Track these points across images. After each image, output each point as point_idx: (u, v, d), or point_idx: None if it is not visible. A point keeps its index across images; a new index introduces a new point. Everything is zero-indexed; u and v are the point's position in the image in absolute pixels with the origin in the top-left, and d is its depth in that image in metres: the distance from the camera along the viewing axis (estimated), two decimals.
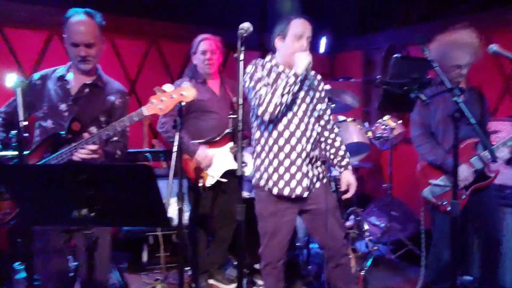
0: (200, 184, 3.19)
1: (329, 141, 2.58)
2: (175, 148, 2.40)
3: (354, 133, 3.63)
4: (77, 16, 2.21)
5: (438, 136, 2.74)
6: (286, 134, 2.38)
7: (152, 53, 4.89)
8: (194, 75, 3.29)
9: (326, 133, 2.58)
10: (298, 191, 2.39)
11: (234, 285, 3.46)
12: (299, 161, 2.38)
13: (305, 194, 2.40)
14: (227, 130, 3.24)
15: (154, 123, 4.48)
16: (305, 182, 2.39)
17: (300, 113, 2.40)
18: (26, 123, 2.00)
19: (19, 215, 2.11)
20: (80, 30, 2.18)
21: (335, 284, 2.57)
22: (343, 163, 2.56)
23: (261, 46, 5.47)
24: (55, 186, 1.65)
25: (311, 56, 2.30)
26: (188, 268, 3.54)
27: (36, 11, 4.12)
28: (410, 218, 4.46)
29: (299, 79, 2.26)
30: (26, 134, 2.12)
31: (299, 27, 2.35)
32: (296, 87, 2.28)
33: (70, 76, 2.31)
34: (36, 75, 2.35)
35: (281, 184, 2.39)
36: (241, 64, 1.90)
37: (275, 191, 2.41)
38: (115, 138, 2.32)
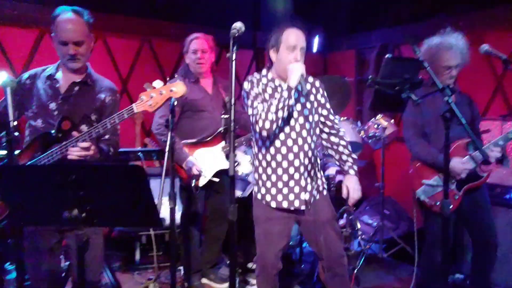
0: (193, 184, 3.18)
1: (335, 146, 2.54)
2: (167, 148, 2.39)
3: (347, 132, 3.63)
4: (65, 14, 2.19)
5: (430, 136, 2.76)
6: (283, 150, 2.36)
7: (144, 52, 4.86)
8: (187, 75, 3.28)
9: (332, 138, 2.54)
10: (296, 204, 2.38)
11: (227, 284, 3.46)
12: (297, 176, 2.37)
13: (303, 207, 2.39)
14: (220, 129, 3.24)
15: (147, 122, 4.47)
16: (303, 195, 2.38)
17: (297, 127, 2.36)
18: (16, 123, 1.98)
19: (9, 216, 2.09)
20: (68, 28, 2.17)
21: None
22: (345, 167, 2.52)
23: (254, 45, 5.49)
24: (45, 186, 1.64)
25: (304, 67, 2.25)
26: (181, 267, 3.54)
27: (26, 9, 4.09)
28: (403, 217, 4.49)
29: (293, 92, 2.22)
30: (17, 133, 2.10)
31: (291, 38, 2.29)
32: (292, 101, 2.24)
33: (59, 75, 2.29)
34: (25, 75, 2.33)
35: (279, 198, 2.39)
36: (233, 64, 1.89)
37: (273, 204, 2.40)
38: (106, 136, 2.31)
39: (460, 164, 2.64)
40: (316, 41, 5.62)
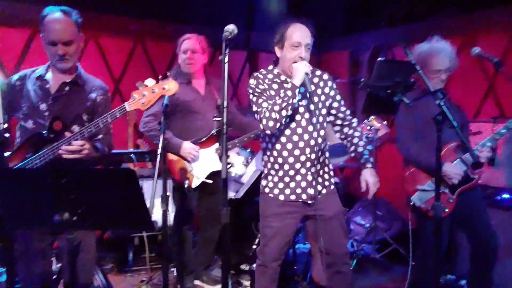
0: (186, 185, 3.17)
1: (349, 138, 2.56)
2: (159, 150, 2.38)
3: None
4: (53, 14, 2.18)
5: (421, 140, 2.78)
6: (289, 146, 2.37)
7: (137, 52, 4.83)
8: (179, 75, 3.26)
9: (345, 130, 2.56)
10: (304, 197, 2.40)
11: (220, 286, 3.45)
12: (303, 170, 2.38)
13: (310, 201, 2.40)
14: (213, 131, 3.23)
15: (139, 123, 4.45)
16: (310, 190, 2.39)
17: (303, 122, 2.37)
18: (6, 125, 1.96)
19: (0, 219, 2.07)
20: (57, 28, 2.15)
21: None
22: (362, 160, 2.52)
23: (247, 45, 5.48)
24: (36, 189, 1.63)
25: (308, 65, 2.24)
26: (174, 269, 3.53)
27: (18, 9, 4.04)
28: (395, 218, 4.50)
29: (297, 91, 2.22)
30: (7, 135, 2.09)
31: (295, 35, 2.29)
32: (295, 100, 2.24)
33: (49, 76, 2.28)
34: (15, 76, 2.31)
35: (287, 191, 2.42)
36: (226, 66, 1.89)
37: (281, 197, 2.43)
38: (100, 136, 2.30)
39: (454, 169, 2.66)
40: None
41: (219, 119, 3.19)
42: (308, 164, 2.38)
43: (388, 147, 4.67)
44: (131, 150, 4.20)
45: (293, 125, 2.36)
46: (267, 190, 2.48)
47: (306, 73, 2.22)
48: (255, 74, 2.43)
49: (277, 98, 2.28)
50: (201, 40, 3.27)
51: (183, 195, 3.27)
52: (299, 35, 2.30)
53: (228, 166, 2.18)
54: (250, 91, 2.40)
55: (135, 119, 4.32)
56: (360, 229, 4.42)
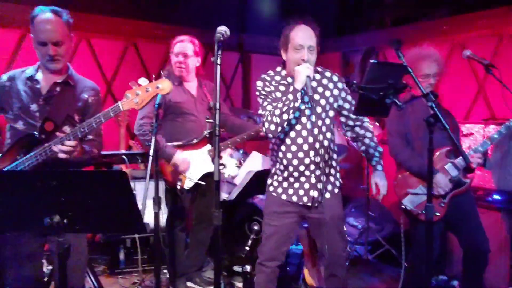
0: (178, 187, 3.16)
1: (360, 138, 2.56)
2: (151, 152, 2.37)
3: None
4: (44, 15, 2.16)
5: (412, 144, 2.81)
6: (294, 148, 2.37)
7: (129, 53, 4.81)
8: (171, 77, 3.24)
9: (357, 129, 2.55)
10: (305, 199, 2.40)
11: (212, 287, 3.44)
12: (307, 173, 2.38)
13: (310, 204, 2.40)
14: (205, 133, 3.22)
15: (131, 124, 4.43)
16: (312, 193, 2.39)
17: (309, 125, 2.35)
18: None
19: None
20: (47, 28, 2.14)
21: None
22: (373, 163, 2.54)
23: (240, 47, 5.48)
24: (26, 192, 1.61)
25: (310, 68, 2.21)
26: (166, 270, 3.51)
27: (8, 9, 4.01)
28: (387, 219, 4.52)
29: (298, 94, 2.21)
30: None
31: (298, 37, 2.28)
32: (297, 103, 2.23)
33: (39, 76, 2.26)
34: (4, 77, 2.29)
35: (290, 191, 2.43)
36: (218, 68, 1.88)
37: (283, 197, 2.44)
38: (90, 137, 2.28)
39: (445, 180, 2.68)
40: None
41: (212, 121, 3.19)
42: (313, 167, 2.38)
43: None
44: (123, 151, 4.17)
45: (298, 127, 2.36)
46: (271, 188, 2.50)
47: (308, 76, 2.19)
48: (263, 76, 2.42)
49: (280, 101, 2.28)
50: (194, 43, 3.25)
51: (175, 197, 3.25)
52: (301, 37, 2.29)
53: (221, 167, 2.17)
54: (257, 93, 2.41)
55: (128, 119, 4.30)
56: (352, 230, 4.44)
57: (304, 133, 2.36)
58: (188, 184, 3.18)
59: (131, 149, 4.38)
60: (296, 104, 2.23)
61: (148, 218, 3.08)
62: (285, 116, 2.23)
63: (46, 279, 2.70)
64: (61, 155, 2.05)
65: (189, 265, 3.47)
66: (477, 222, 2.80)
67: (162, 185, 3.19)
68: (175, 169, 3.11)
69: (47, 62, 2.19)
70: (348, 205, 4.87)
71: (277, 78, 2.41)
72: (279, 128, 2.26)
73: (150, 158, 2.38)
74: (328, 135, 2.41)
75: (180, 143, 3.19)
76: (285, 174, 2.43)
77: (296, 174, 2.39)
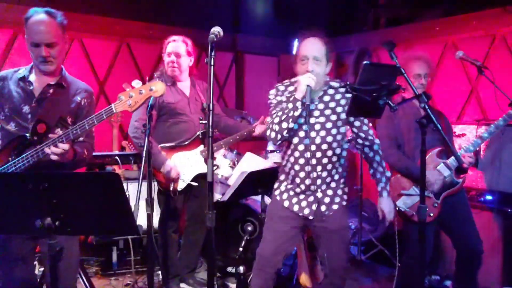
0: (171, 188, 3.15)
1: (368, 159, 2.51)
2: (144, 153, 2.36)
3: None
4: (37, 16, 2.14)
5: (403, 147, 2.82)
6: (301, 160, 2.37)
7: (122, 54, 4.78)
8: (163, 77, 3.23)
9: (366, 150, 2.49)
10: (306, 212, 2.41)
11: None
12: (313, 188, 2.39)
13: (311, 217, 2.40)
14: (198, 133, 3.21)
15: (125, 125, 4.40)
16: (314, 206, 2.40)
17: (318, 140, 2.34)
18: None
19: None
20: (40, 29, 2.12)
21: None
22: (379, 188, 2.50)
23: (234, 47, 5.47)
24: (17, 194, 1.59)
25: (313, 79, 2.19)
26: (159, 272, 3.50)
27: None
28: (381, 219, 4.53)
29: (298, 103, 2.19)
30: None
31: (303, 49, 2.30)
32: (297, 113, 2.20)
33: (32, 77, 2.24)
34: None
35: (293, 200, 2.44)
36: (212, 69, 1.88)
37: (285, 204, 2.45)
38: (81, 139, 2.26)
39: (434, 175, 2.69)
40: (295, 44, 5.64)
41: (205, 121, 3.17)
42: (319, 181, 2.38)
43: None
44: (116, 152, 4.15)
45: (307, 141, 2.35)
46: (277, 192, 2.52)
47: (309, 86, 2.18)
48: (277, 85, 2.44)
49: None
50: (187, 43, 3.23)
51: (168, 198, 3.24)
52: (305, 49, 2.30)
53: (214, 168, 2.16)
54: (269, 101, 2.43)
55: (120, 120, 4.28)
56: None
57: (313, 147, 2.35)
58: (180, 185, 3.17)
59: (124, 149, 4.35)
60: (296, 114, 2.21)
61: (141, 219, 3.06)
62: (284, 125, 2.23)
63: (37, 281, 2.68)
64: (53, 157, 2.03)
65: (182, 266, 3.45)
66: (470, 223, 2.81)
67: (155, 186, 3.17)
68: (167, 176, 3.09)
69: (40, 64, 2.17)
70: None
71: (291, 88, 2.40)
72: (279, 136, 2.27)
73: (143, 159, 2.36)
74: (338, 151, 2.38)
75: (172, 144, 3.18)
76: (292, 184, 2.45)
77: (302, 187, 2.40)
